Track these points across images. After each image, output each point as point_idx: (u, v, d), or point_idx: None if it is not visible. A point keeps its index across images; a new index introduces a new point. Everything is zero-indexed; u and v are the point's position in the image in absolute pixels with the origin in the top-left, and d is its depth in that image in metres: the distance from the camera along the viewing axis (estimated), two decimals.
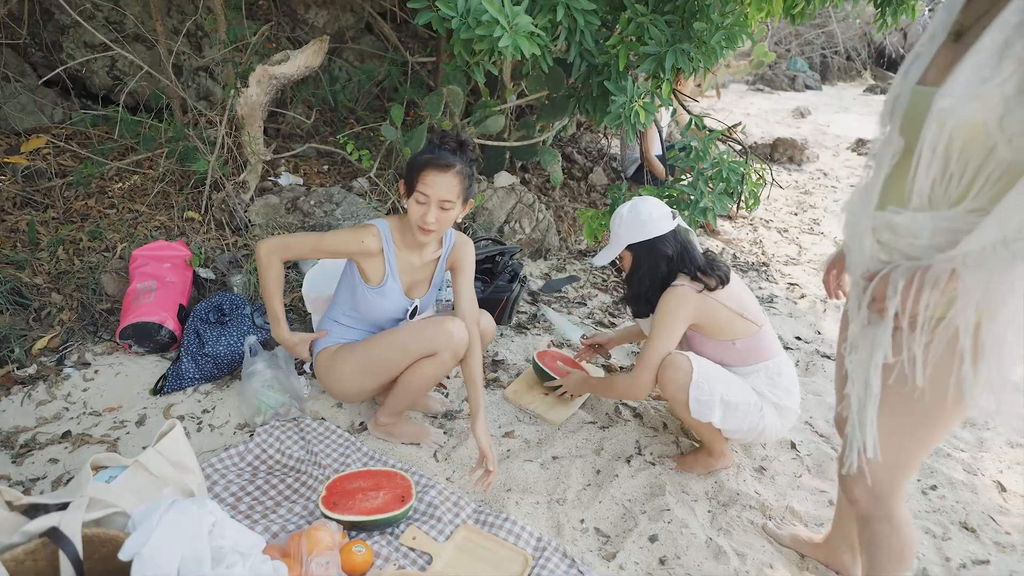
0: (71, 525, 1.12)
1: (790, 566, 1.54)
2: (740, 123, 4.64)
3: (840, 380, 1.32)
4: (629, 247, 1.72)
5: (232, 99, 2.62)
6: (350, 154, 2.95)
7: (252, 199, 2.75)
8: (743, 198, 2.80)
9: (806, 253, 3.70)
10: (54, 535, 1.10)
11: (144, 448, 1.33)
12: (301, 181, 3.07)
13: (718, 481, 1.79)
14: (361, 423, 1.91)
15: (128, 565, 1.06)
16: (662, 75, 2.40)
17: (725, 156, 2.68)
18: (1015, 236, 0.84)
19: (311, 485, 1.65)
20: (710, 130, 2.91)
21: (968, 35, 0.93)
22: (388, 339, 1.72)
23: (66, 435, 1.73)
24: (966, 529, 1.68)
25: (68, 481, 1.57)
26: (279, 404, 1.84)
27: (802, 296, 3.14)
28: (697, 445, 1.91)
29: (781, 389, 1.70)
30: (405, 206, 1.63)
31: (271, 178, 3.00)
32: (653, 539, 1.57)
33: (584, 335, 2.27)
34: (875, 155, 1.06)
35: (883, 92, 9.53)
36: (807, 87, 9.51)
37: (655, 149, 3.84)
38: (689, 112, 3.19)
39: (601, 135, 4.76)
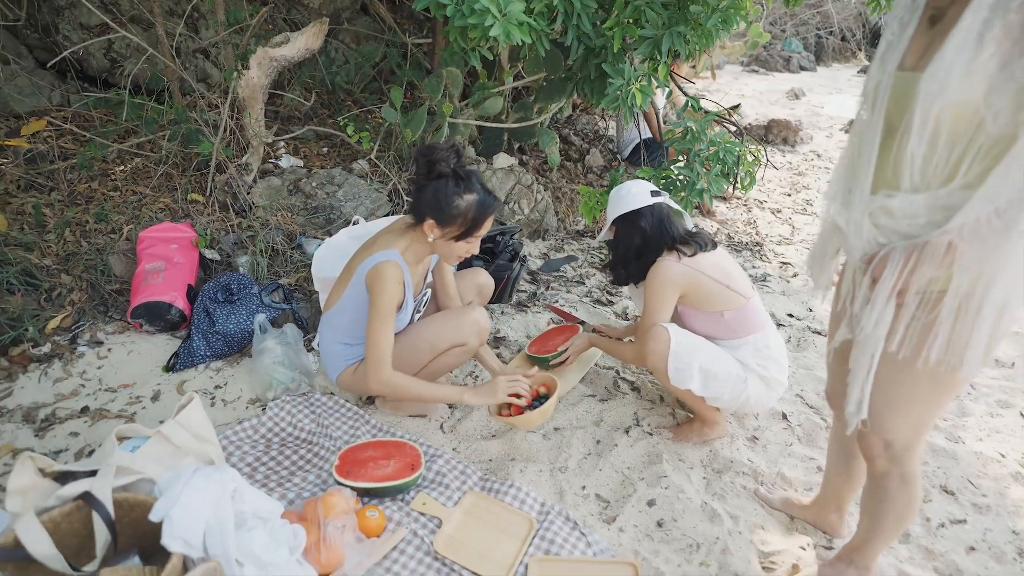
0: (102, 490, 1.18)
1: (780, 527, 1.63)
2: (739, 104, 4.68)
3: (831, 357, 1.38)
4: (613, 222, 1.86)
5: (234, 81, 2.64)
6: (350, 136, 2.98)
7: (255, 181, 2.78)
8: (739, 178, 2.86)
9: (799, 233, 3.77)
10: (88, 498, 1.17)
11: (162, 421, 1.38)
12: (302, 163, 3.09)
13: (713, 450, 1.87)
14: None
15: (156, 526, 1.13)
16: (658, 58, 2.43)
17: (721, 137, 2.73)
18: (1006, 206, 0.90)
19: (323, 455, 1.72)
20: (706, 111, 2.95)
21: (945, 20, 0.98)
22: (414, 338, 1.76)
23: (84, 410, 1.79)
24: (946, 492, 1.77)
25: (90, 452, 1.63)
26: (290, 380, 1.90)
27: (794, 275, 3.21)
28: (692, 416, 1.99)
29: (769, 361, 1.77)
30: (431, 238, 1.63)
31: (271, 160, 3.03)
32: (651, 503, 1.65)
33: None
34: (860, 142, 1.10)
35: None
36: (802, 68, 9.51)
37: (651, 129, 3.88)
38: (685, 94, 3.22)
39: (598, 117, 4.79)
